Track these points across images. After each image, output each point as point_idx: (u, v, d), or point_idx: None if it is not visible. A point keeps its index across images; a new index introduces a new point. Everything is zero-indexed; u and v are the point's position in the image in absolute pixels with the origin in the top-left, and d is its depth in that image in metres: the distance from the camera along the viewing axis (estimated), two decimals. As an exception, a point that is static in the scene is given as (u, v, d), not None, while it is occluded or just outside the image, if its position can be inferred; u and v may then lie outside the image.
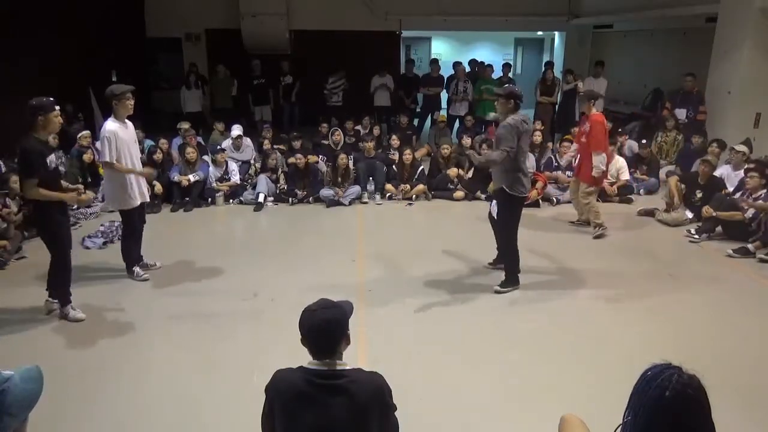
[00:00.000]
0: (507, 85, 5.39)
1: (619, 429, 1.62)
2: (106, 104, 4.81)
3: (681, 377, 1.52)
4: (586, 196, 6.37)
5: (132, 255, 5.17)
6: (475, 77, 11.31)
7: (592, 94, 6.41)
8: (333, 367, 2.01)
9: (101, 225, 6.31)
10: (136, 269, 5.15)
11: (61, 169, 4.51)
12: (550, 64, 11.79)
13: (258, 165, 8.28)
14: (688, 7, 8.94)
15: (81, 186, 4.81)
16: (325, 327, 2.01)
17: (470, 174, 8.01)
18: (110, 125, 4.73)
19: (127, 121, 4.86)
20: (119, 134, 4.73)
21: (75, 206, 5.92)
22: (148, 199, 5.18)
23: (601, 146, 6.09)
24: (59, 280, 4.37)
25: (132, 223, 5.06)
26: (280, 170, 8.10)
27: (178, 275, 5.24)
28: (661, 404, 1.50)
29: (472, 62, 11.75)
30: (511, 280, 4.92)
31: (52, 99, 4.09)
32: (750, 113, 8.14)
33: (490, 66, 11.29)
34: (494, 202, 4.87)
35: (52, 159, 4.15)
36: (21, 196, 6.19)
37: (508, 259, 4.95)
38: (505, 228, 4.90)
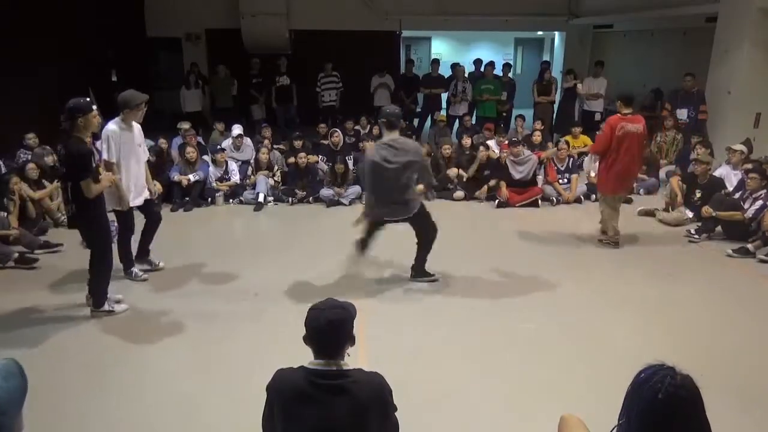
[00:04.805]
0: (387, 109, 4.94)
1: (615, 431, 1.63)
2: (118, 109, 4.74)
3: (674, 379, 1.52)
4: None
5: (128, 256, 5.12)
6: (479, 76, 11.32)
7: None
8: (334, 367, 2.01)
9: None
10: (134, 270, 5.13)
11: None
12: (546, 64, 11.81)
13: (254, 165, 8.30)
14: (688, 7, 8.94)
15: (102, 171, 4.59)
16: (333, 327, 2.02)
17: (470, 172, 8.02)
18: (111, 126, 4.69)
19: (134, 123, 4.80)
20: (120, 136, 4.68)
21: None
22: (148, 196, 5.11)
23: (593, 147, 6.18)
24: (98, 279, 4.40)
25: (126, 223, 5.00)
26: (276, 169, 8.11)
27: (178, 275, 5.24)
28: (654, 406, 1.51)
29: (477, 62, 11.73)
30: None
31: (88, 99, 4.17)
32: (750, 113, 8.14)
33: (491, 64, 11.29)
34: None
35: (95, 159, 4.28)
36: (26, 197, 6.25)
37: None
38: None
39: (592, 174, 5.94)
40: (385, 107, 5.03)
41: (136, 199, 4.93)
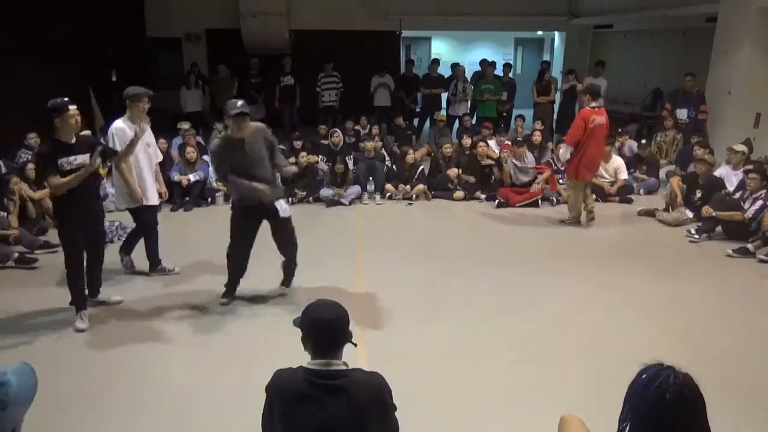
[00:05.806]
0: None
1: None
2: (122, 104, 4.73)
3: (677, 378, 1.53)
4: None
5: (155, 253, 5.20)
6: (481, 75, 11.32)
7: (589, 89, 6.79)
8: (333, 367, 2.01)
9: (101, 225, 6.31)
10: (126, 258, 5.23)
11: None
12: (546, 64, 11.81)
13: None
14: (688, 7, 8.95)
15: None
16: (332, 326, 2.02)
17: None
18: (118, 123, 4.68)
19: (143, 124, 4.74)
20: (126, 133, 4.63)
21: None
22: (157, 203, 5.09)
23: (569, 139, 6.55)
24: (69, 281, 4.27)
25: (141, 221, 5.01)
26: None
27: (178, 275, 5.25)
28: (662, 407, 1.50)
29: (483, 62, 11.71)
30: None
31: (66, 99, 4.00)
32: (750, 113, 8.15)
33: (491, 64, 11.29)
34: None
35: (69, 160, 4.00)
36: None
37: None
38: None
39: (567, 156, 6.56)
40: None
41: (149, 198, 4.89)
